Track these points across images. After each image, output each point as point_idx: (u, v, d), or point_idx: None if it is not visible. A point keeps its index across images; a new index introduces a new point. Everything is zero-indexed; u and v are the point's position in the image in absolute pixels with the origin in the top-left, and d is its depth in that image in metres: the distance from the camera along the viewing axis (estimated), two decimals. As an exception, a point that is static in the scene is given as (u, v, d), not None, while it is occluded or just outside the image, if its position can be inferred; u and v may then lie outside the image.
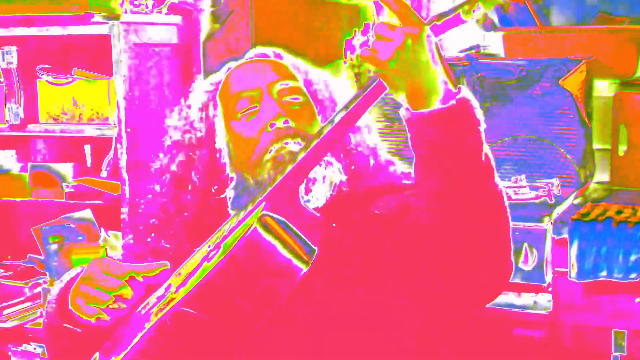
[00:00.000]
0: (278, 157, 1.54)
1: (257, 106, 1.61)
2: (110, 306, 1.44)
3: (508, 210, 1.40)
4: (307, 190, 1.57)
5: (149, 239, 1.67)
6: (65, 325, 1.51)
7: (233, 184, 1.62)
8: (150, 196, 1.70)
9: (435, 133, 1.33)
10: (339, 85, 1.73)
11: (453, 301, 1.47)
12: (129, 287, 1.44)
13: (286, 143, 1.55)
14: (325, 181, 1.58)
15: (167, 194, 1.67)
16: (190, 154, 1.67)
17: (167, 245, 1.64)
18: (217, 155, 1.65)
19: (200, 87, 1.72)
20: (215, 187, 1.64)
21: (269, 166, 1.55)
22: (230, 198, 1.62)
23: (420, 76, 1.31)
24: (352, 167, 1.65)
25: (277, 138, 1.56)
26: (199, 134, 1.67)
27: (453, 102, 1.32)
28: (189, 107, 1.70)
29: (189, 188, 1.66)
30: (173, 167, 1.68)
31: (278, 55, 1.72)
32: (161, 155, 1.71)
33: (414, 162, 1.39)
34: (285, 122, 1.57)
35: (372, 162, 1.67)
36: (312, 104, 1.65)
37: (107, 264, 1.47)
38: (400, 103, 1.36)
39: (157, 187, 1.69)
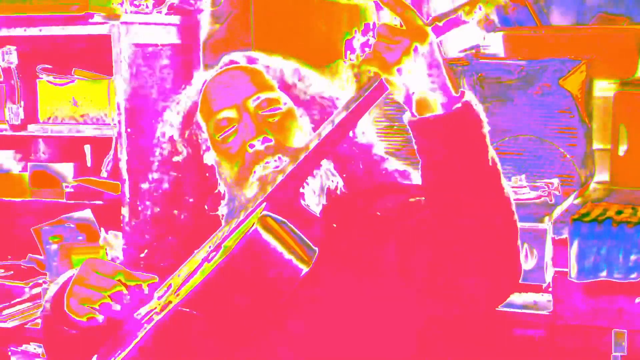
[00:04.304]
0: (263, 177, 1.52)
1: (235, 126, 1.59)
2: (105, 305, 1.44)
3: (515, 212, 1.40)
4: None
5: (142, 254, 1.67)
6: (61, 327, 1.51)
7: (225, 200, 1.60)
8: (141, 216, 1.70)
9: (441, 138, 1.33)
10: (316, 79, 1.70)
11: (461, 304, 1.46)
12: (123, 286, 1.44)
13: (267, 162, 1.53)
14: (316, 189, 1.56)
15: (159, 212, 1.67)
16: (179, 173, 1.66)
17: (162, 264, 1.63)
18: (207, 173, 1.63)
19: (176, 106, 1.69)
20: (207, 205, 1.63)
21: (257, 186, 1.53)
22: (223, 215, 1.61)
23: (425, 81, 1.31)
24: (352, 169, 1.64)
25: (257, 159, 1.54)
26: (185, 154, 1.65)
27: (458, 105, 1.32)
28: (170, 125, 1.68)
29: (181, 207, 1.65)
30: (164, 186, 1.67)
31: (251, 60, 1.68)
32: (151, 175, 1.70)
33: (420, 167, 1.38)
34: (265, 140, 1.54)
35: (370, 162, 1.66)
36: (292, 109, 1.62)
37: (98, 264, 1.47)
38: (403, 105, 1.36)
39: (149, 205, 1.68)
